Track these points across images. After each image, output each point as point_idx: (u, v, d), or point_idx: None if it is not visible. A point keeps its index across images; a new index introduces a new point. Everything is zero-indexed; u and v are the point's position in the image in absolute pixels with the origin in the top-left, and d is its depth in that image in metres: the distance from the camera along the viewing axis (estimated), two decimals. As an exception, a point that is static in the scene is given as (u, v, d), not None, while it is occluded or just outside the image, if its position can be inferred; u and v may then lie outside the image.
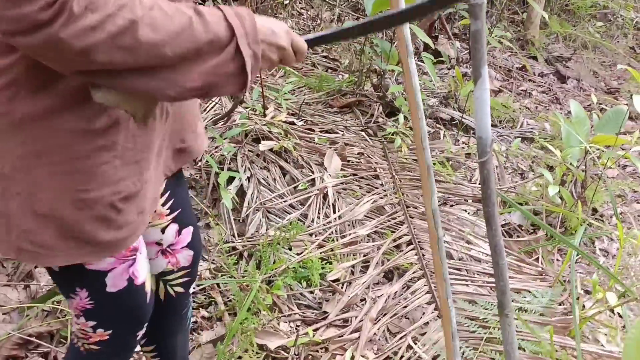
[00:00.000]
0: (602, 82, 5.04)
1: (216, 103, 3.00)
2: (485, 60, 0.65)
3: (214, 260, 2.15)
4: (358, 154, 2.82)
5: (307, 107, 3.21)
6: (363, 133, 3.08)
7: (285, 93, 2.97)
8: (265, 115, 2.76)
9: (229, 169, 2.44)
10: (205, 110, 3.10)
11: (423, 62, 4.20)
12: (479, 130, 0.69)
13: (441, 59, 4.27)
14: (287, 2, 4.79)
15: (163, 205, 1.15)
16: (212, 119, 2.99)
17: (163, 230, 1.18)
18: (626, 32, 6.36)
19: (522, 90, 4.46)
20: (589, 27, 5.96)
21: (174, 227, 1.19)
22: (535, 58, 5.09)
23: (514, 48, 4.84)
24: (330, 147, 2.80)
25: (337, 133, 3.01)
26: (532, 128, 3.62)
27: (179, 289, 1.27)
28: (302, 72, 3.90)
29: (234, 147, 2.53)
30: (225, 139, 2.42)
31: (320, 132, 2.98)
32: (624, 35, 6.32)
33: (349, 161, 2.78)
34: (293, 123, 2.93)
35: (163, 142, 1.01)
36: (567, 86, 4.71)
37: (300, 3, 5.05)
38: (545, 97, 4.42)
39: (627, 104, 4.54)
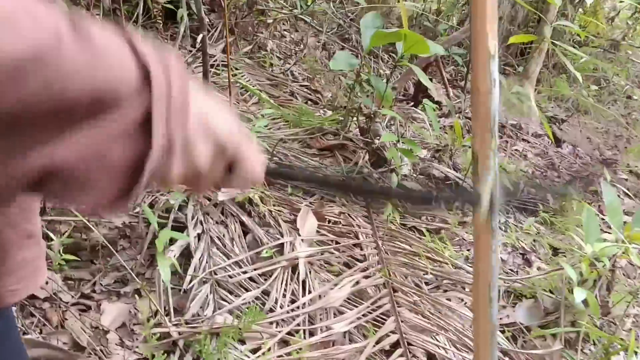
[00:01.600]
0: (597, 150, 4.71)
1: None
2: None
3: (136, 349, 1.58)
4: (338, 213, 2.31)
5: (282, 144, 2.70)
6: (345, 185, 2.58)
7: (260, 127, 2.45)
8: (230, 153, 2.23)
9: (175, 221, 1.89)
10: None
11: (415, 108, 3.77)
12: None
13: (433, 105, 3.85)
14: (270, 21, 4.31)
15: None
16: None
17: None
18: (616, 98, 6.13)
19: (516, 149, 4.07)
20: (582, 89, 5.68)
21: None
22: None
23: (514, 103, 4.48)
24: (305, 200, 2.29)
25: (315, 182, 2.50)
26: (531, 197, 3.19)
27: None
28: (279, 102, 3.39)
29: (185, 191, 1.99)
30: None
31: (295, 179, 2.46)
32: (614, 102, 6.09)
33: (326, 220, 2.27)
34: (263, 164, 2.40)
35: None
36: (562, 151, 4.35)
37: (284, 24, 4.57)
38: (540, 161, 4.03)
39: (627, 179, 4.21)
